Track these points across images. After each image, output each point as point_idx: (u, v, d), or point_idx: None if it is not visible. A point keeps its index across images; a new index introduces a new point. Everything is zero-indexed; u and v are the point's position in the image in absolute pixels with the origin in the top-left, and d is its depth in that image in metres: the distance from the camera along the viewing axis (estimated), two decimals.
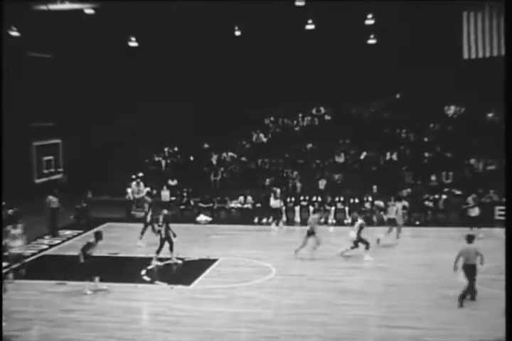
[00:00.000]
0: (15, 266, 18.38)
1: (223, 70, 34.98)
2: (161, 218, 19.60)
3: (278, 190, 26.82)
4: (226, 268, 19.29)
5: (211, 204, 28.40)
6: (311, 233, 20.28)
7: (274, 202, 26.42)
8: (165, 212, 19.85)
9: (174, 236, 19.67)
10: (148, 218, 22.53)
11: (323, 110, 36.58)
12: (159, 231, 19.56)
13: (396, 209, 22.53)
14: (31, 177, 25.49)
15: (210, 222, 26.81)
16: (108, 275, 17.93)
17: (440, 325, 13.99)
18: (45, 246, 22.68)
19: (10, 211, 23.71)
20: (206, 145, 34.86)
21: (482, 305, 15.02)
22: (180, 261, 19.71)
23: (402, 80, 33.36)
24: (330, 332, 13.72)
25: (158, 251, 19.54)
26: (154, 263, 19.56)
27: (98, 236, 17.09)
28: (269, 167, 32.39)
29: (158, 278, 18.00)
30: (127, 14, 27.43)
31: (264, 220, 26.94)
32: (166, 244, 19.54)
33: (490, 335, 12.87)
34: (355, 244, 20.07)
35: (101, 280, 16.97)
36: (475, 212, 23.45)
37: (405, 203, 24.30)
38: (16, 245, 18.27)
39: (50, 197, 24.85)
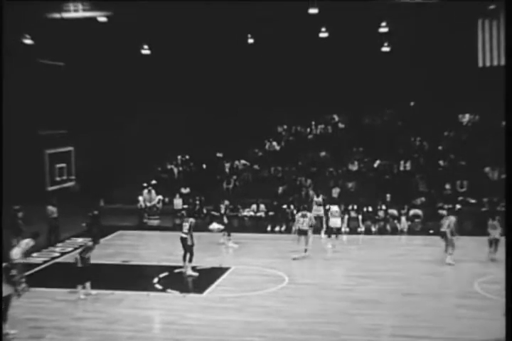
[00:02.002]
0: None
1: (236, 78, 35.04)
2: (187, 226, 19.26)
3: (320, 199, 26.42)
4: (239, 276, 19.16)
5: (223, 212, 28.24)
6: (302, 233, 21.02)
7: (317, 209, 26.05)
8: (192, 220, 19.64)
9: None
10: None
11: (336, 118, 36.48)
12: (185, 239, 19.22)
13: (449, 222, 20.57)
14: (44, 184, 25.54)
15: (223, 230, 26.67)
16: (120, 284, 18.12)
17: (455, 335, 13.81)
18: (57, 254, 22.64)
19: (20, 214, 23.78)
20: (219, 154, 34.79)
21: (498, 315, 14.74)
22: (196, 274, 19.37)
23: (416, 88, 33.25)
24: None
25: (190, 260, 19.25)
26: (189, 273, 19.26)
27: (95, 239, 17.28)
28: (282, 175, 32.27)
29: (171, 287, 17.83)
30: (140, 22, 27.54)
31: (277, 228, 26.79)
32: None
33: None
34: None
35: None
36: (497, 233, 20.69)
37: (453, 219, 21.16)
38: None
39: (50, 207, 24.81)
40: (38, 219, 24.07)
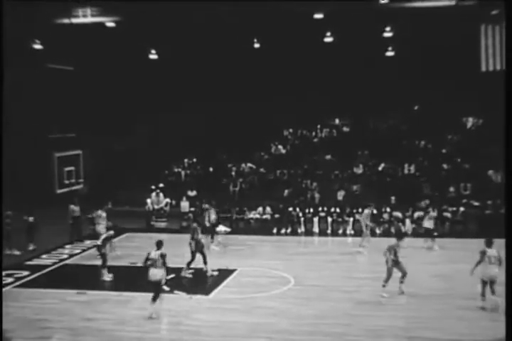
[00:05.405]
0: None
1: (242, 82, 35.24)
2: (198, 231, 19.49)
3: (207, 205, 25.60)
4: (245, 278, 19.30)
5: (230, 215, 28.50)
6: None
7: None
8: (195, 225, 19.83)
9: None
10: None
11: (341, 121, 36.68)
12: (191, 244, 19.41)
13: (389, 247, 17.15)
14: (53, 187, 25.83)
15: (229, 233, 26.85)
16: (128, 285, 18.30)
17: (459, 337, 13.92)
18: (66, 256, 22.88)
19: (30, 218, 24.00)
20: (225, 157, 35.02)
21: (502, 317, 14.87)
22: (216, 273, 19.61)
23: (420, 92, 33.45)
24: None
25: (189, 264, 19.43)
26: (184, 274, 19.41)
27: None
28: (288, 178, 32.47)
29: (178, 288, 17.94)
30: (147, 27, 27.75)
31: (283, 231, 27.05)
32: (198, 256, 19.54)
33: None
34: None
35: None
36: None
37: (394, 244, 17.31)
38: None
39: (72, 206, 25.25)
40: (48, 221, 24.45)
